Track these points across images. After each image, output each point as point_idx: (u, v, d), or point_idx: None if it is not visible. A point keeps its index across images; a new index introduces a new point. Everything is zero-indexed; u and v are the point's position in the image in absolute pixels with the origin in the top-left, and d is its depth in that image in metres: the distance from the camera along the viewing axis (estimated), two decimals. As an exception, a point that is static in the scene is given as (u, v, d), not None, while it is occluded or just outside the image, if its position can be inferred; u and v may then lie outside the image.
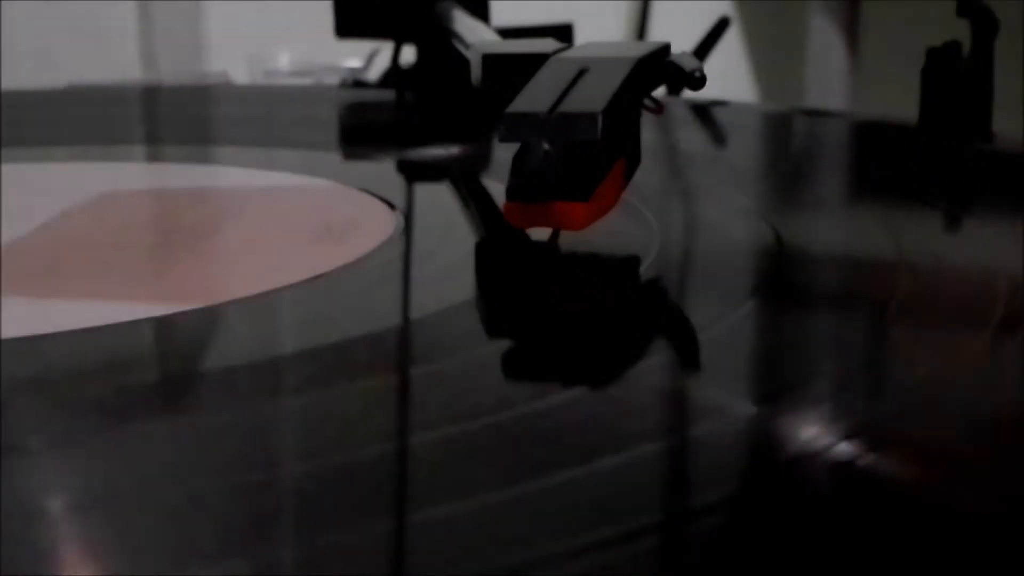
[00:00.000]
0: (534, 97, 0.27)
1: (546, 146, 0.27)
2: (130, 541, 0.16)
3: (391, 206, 0.34)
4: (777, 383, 0.22)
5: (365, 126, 0.54)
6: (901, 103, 0.45)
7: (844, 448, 0.18)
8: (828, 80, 0.80)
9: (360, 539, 0.16)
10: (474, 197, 0.37)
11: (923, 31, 0.44)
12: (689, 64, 0.30)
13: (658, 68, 0.30)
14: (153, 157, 0.48)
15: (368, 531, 0.16)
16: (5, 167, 0.41)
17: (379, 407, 0.21)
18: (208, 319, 0.26)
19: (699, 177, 0.41)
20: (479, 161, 0.42)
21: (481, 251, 0.31)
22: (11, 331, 0.24)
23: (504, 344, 0.24)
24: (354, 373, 0.23)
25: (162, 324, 0.25)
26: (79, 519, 0.17)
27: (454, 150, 0.44)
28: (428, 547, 0.16)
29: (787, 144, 0.49)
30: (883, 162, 0.42)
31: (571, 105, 0.27)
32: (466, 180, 0.39)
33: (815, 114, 0.55)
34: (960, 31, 0.42)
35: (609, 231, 0.28)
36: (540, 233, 0.28)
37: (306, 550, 0.16)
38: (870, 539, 0.16)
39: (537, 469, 0.18)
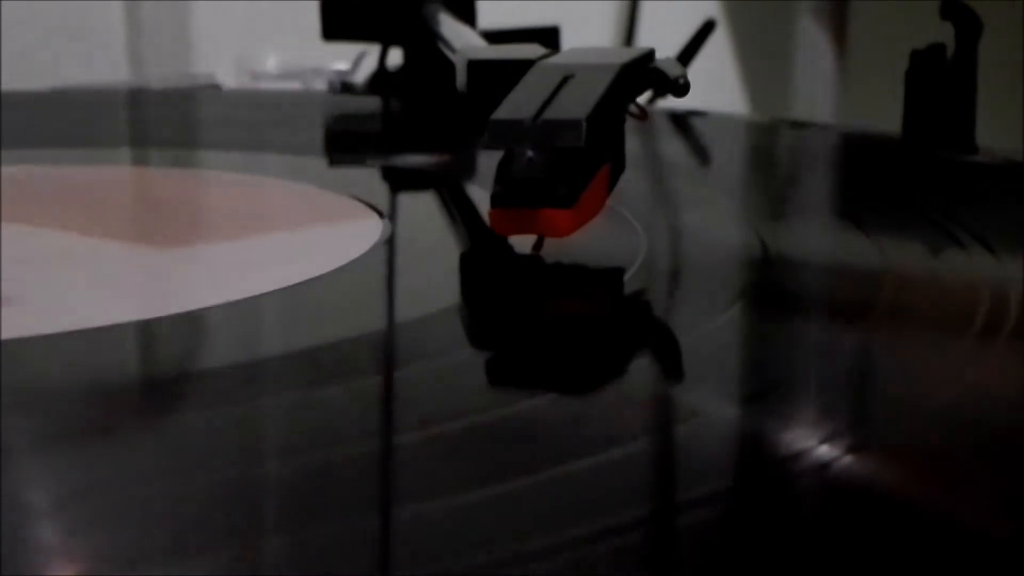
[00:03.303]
0: (518, 104, 0.27)
1: (530, 153, 0.27)
2: (123, 541, 0.16)
3: (378, 212, 0.34)
4: (759, 389, 0.22)
5: (352, 131, 0.54)
6: (889, 107, 0.45)
7: (823, 453, 0.19)
8: (816, 84, 0.80)
9: (344, 538, 0.16)
10: (458, 204, 0.37)
11: (912, 35, 0.45)
12: (673, 71, 0.30)
13: (642, 74, 0.30)
14: (138, 161, 0.48)
15: (353, 530, 0.16)
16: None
17: (361, 410, 0.21)
18: (192, 324, 0.26)
19: (682, 186, 0.41)
20: (463, 168, 0.42)
21: (465, 258, 0.31)
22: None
23: (488, 350, 0.24)
24: (337, 377, 0.23)
25: (146, 329, 0.25)
26: (70, 519, 0.17)
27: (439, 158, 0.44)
28: (411, 545, 0.16)
29: (769, 155, 0.49)
30: (864, 173, 0.42)
31: (555, 112, 0.27)
32: (450, 187, 0.39)
33: (796, 125, 0.56)
34: (950, 35, 0.42)
35: (594, 238, 0.28)
36: (524, 240, 0.28)
37: (291, 549, 0.16)
38: (850, 545, 0.16)
39: (518, 470, 0.18)
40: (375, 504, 0.18)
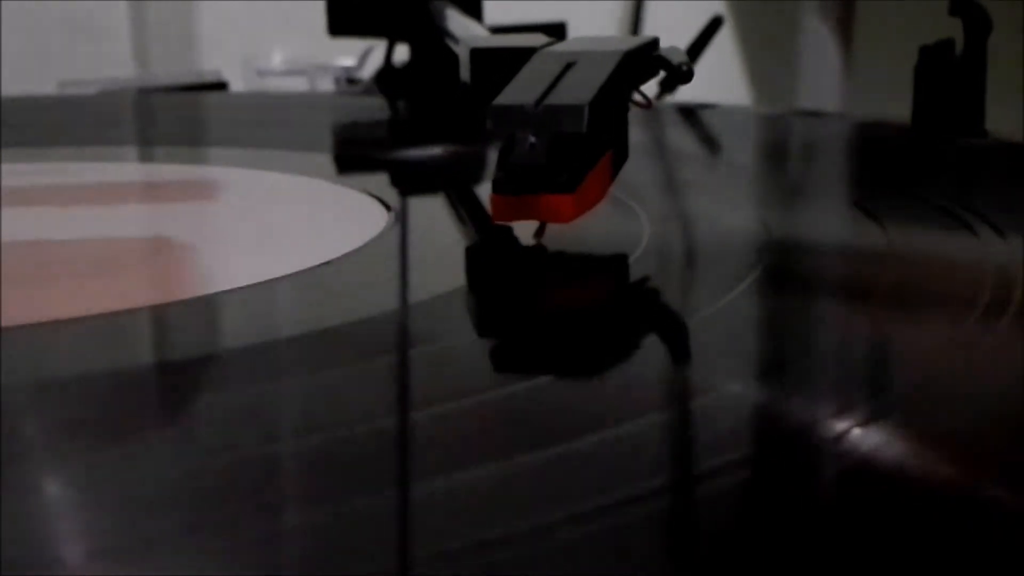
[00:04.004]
0: (521, 90, 0.27)
1: (532, 139, 0.27)
2: (135, 527, 0.16)
3: (385, 204, 0.34)
4: (766, 372, 0.22)
5: (359, 127, 0.54)
6: (895, 102, 0.45)
7: (830, 433, 0.18)
8: (822, 80, 0.80)
9: (359, 517, 0.16)
10: (462, 195, 0.37)
11: (919, 29, 0.44)
12: (676, 58, 0.30)
13: (646, 62, 0.30)
14: (146, 158, 0.48)
15: (367, 509, 0.16)
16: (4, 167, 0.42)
17: (368, 397, 0.21)
18: (202, 309, 0.26)
19: (688, 175, 0.41)
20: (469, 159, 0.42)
21: (470, 245, 0.30)
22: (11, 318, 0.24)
23: (494, 335, 0.24)
24: (345, 361, 0.23)
25: (157, 314, 0.25)
26: (78, 508, 0.17)
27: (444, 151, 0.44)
28: (425, 522, 0.16)
29: (778, 145, 0.49)
30: (876, 160, 0.42)
31: (558, 98, 0.27)
32: (455, 178, 0.39)
33: (806, 115, 0.56)
34: (956, 30, 0.42)
35: (596, 224, 0.28)
36: (527, 226, 0.28)
37: (308, 527, 0.16)
38: (856, 526, 0.16)
39: (526, 450, 0.18)
40: (388, 483, 0.18)
